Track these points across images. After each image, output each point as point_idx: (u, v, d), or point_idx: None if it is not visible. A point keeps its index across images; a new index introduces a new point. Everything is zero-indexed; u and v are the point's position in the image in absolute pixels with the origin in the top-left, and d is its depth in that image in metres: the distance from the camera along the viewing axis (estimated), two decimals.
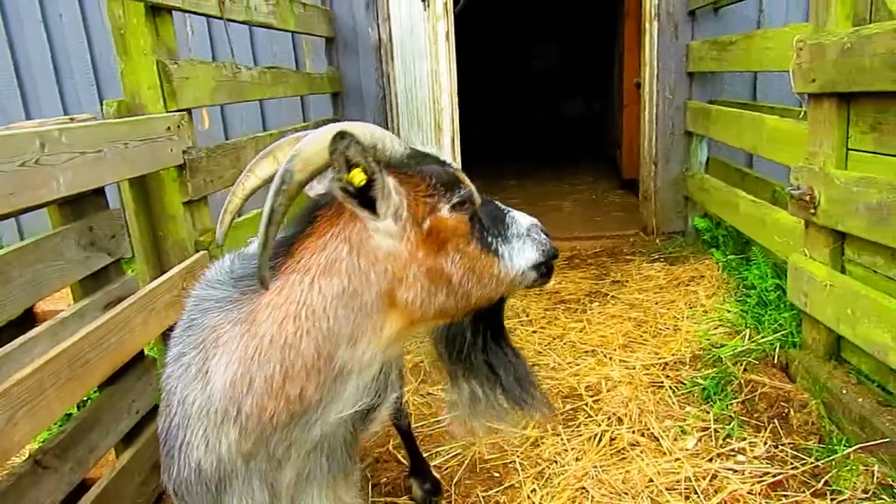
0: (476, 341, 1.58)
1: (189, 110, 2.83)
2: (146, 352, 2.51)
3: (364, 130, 1.23)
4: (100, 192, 2.32)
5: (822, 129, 2.63)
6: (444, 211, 1.32)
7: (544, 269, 1.49)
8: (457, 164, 1.49)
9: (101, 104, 2.66)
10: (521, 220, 1.49)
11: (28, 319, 2.26)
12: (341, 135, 1.14)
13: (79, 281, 2.23)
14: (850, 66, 2.35)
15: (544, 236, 1.49)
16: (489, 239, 1.39)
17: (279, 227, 1.20)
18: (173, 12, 2.78)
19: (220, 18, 3.14)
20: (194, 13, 2.97)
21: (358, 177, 1.19)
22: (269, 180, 1.41)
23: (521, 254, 1.43)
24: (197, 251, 2.82)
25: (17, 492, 1.81)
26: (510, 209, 1.50)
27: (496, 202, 1.50)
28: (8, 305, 1.81)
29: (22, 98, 5.41)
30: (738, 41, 3.94)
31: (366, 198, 1.23)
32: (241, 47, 5.10)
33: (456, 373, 1.64)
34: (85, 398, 2.55)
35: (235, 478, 1.32)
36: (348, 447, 1.50)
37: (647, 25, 5.03)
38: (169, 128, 2.62)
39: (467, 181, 1.38)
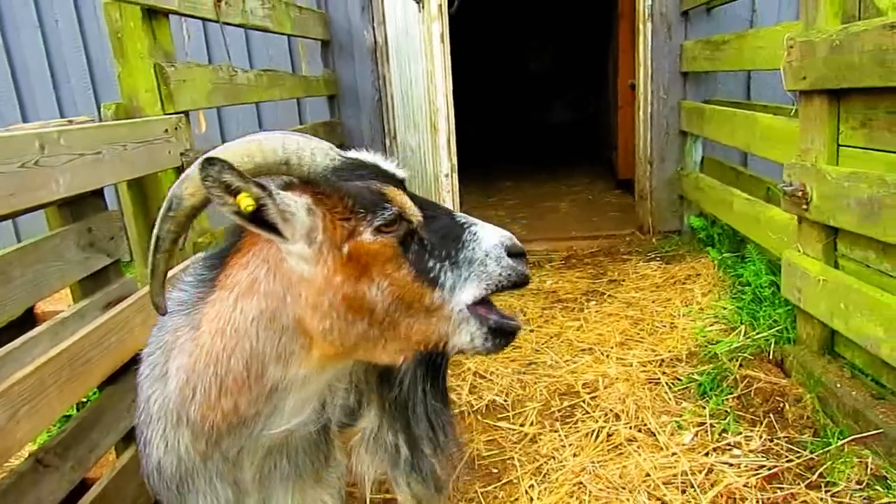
0: (415, 389, 1.42)
1: (186, 113, 2.85)
2: None
3: (271, 145, 1.15)
4: (98, 193, 2.33)
5: (813, 125, 2.66)
6: (366, 234, 1.17)
7: (492, 323, 1.23)
8: (399, 171, 1.32)
9: (98, 108, 2.69)
10: (484, 238, 1.24)
11: (28, 320, 2.28)
12: (209, 161, 1.05)
13: (78, 281, 2.24)
14: (839, 63, 2.38)
15: (507, 261, 1.23)
16: (430, 263, 1.21)
17: (170, 254, 1.16)
18: (170, 16, 2.80)
19: (217, 22, 3.16)
20: (191, 17, 2.99)
21: (244, 202, 1.08)
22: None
23: (464, 285, 1.21)
24: (195, 253, 2.84)
25: (19, 490, 1.82)
26: (475, 223, 1.27)
27: (455, 215, 1.29)
28: (9, 305, 1.83)
29: (19, 103, 5.43)
30: (730, 40, 3.98)
31: (265, 220, 1.14)
32: (238, 50, 5.12)
33: (381, 418, 1.51)
34: (85, 398, 2.57)
35: (197, 476, 1.33)
36: (312, 450, 1.45)
37: (641, 26, 5.07)
38: (167, 130, 2.64)
39: (397, 197, 1.21)
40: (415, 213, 1.22)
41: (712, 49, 4.30)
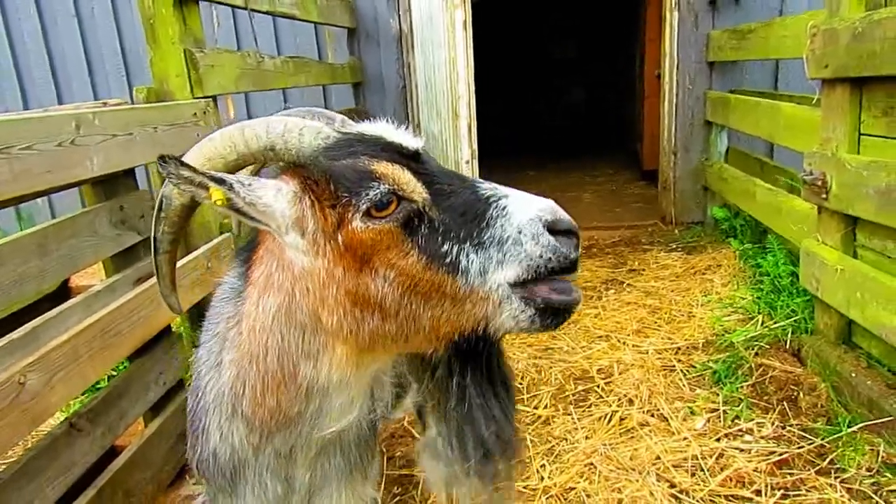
0: (451, 383, 1.20)
1: (214, 97, 2.93)
2: (173, 327, 2.63)
3: (253, 132, 1.08)
4: (130, 173, 2.44)
5: (834, 114, 2.65)
6: (356, 222, 1.05)
7: (541, 303, 1.06)
8: (411, 140, 1.14)
9: (131, 95, 2.78)
10: (515, 212, 1.06)
11: (63, 293, 2.39)
12: (162, 159, 1.01)
13: (110, 257, 2.35)
14: (861, 51, 2.37)
15: (545, 238, 1.04)
16: (445, 247, 1.05)
17: (171, 255, 1.13)
18: (200, 3, 2.88)
19: (245, 9, 3.24)
20: (220, 3, 3.07)
21: (215, 195, 1.03)
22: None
23: (498, 267, 1.05)
24: (221, 233, 2.94)
25: (53, 451, 1.93)
26: (506, 196, 1.08)
27: (479, 188, 1.10)
28: (47, 276, 1.93)
29: (55, 87, 5.61)
30: (756, 29, 3.94)
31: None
32: (266, 38, 5.22)
33: (421, 411, 1.43)
34: (114, 369, 2.69)
35: (248, 468, 1.31)
36: (363, 443, 1.43)
37: (668, 15, 5.03)
38: (195, 114, 2.73)
39: (393, 174, 1.05)
40: (417, 190, 1.06)
41: (738, 38, 4.26)
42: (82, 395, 2.58)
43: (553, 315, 1.08)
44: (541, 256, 1.04)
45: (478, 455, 1.21)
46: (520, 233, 1.05)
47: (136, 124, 2.32)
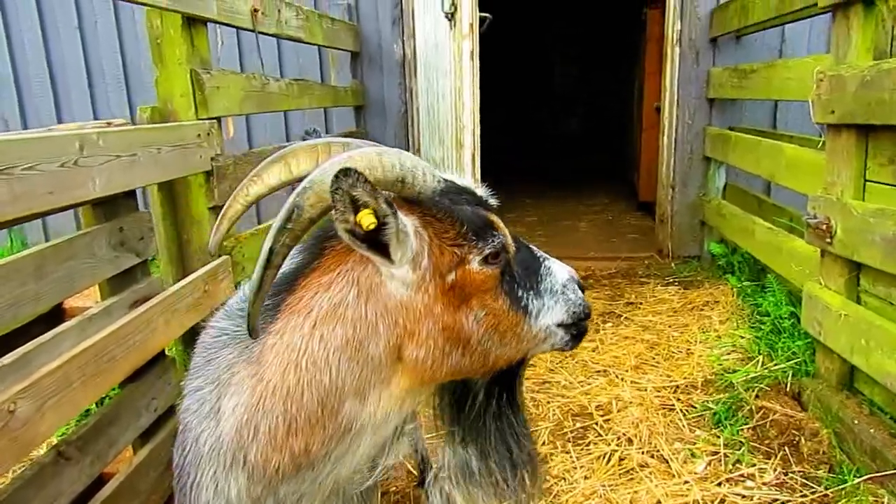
0: (489, 404, 1.36)
1: (219, 119, 2.91)
2: (167, 352, 2.57)
3: (390, 160, 1.09)
4: (131, 194, 2.39)
5: (840, 159, 2.66)
6: (475, 263, 1.15)
7: (574, 332, 1.32)
8: (491, 198, 1.32)
9: (131, 109, 2.77)
10: (557, 272, 1.31)
11: (57, 315, 2.33)
12: (345, 171, 0.99)
13: (107, 279, 2.30)
14: (869, 99, 2.38)
15: (579, 293, 1.32)
16: (520, 293, 1.23)
17: (278, 269, 1.05)
18: (207, 24, 2.87)
19: (252, 31, 3.23)
20: (228, 25, 3.06)
21: (366, 219, 1.02)
22: (277, 188, 1.33)
23: (549, 312, 1.26)
24: (220, 256, 2.89)
25: (40, 481, 1.86)
26: (546, 257, 1.33)
27: (531, 247, 1.33)
28: (43, 299, 1.88)
29: (54, 100, 5.57)
30: (759, 69, 3.98)
31: (377, 240, 1.07)
32: (269, 59, 5.22)
33: (454, 433, 1.43)
34: (105, 394, 2.62)
35: None
36: (366, 492, 1.41)
37: (669, 51, 5.09)
38: (199, 135, 2.70)
39: (502, 226, 1.21)
40: (510, 244, 1.23)
41: (740, 77, 4.30)
42: (73, 422, 2.50)
43: (579, 337, 1.34)
44: (579, 305, 1.31)
45: (510, 469, 1.38)
46: (564, 287, 1.30)
47: (140, 145, 2.28)
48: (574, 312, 1.30)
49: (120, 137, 2.18)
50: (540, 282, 1.27)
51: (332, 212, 1.02)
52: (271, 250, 1.01)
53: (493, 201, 1.29)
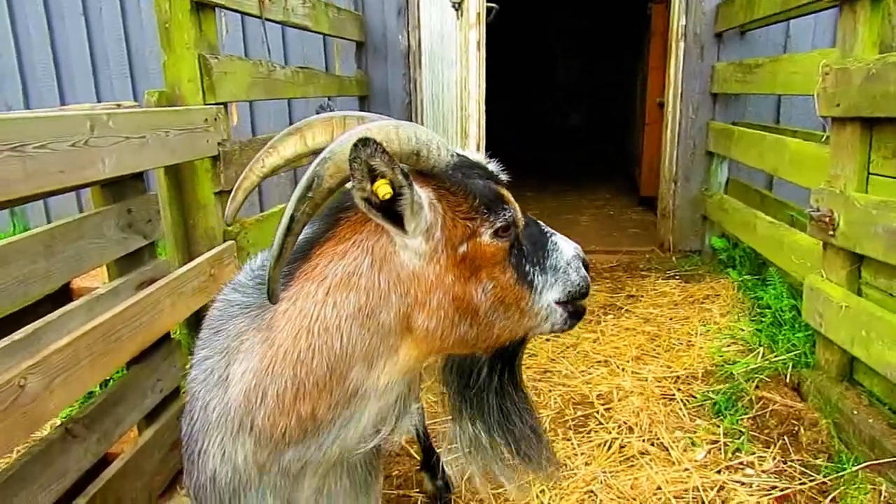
0: (492, 380, 1.39)
1: (225, 104, 2.92)
2: (172, 334, 2.58)
3: (406, 133, 1.11)
4: (139, 176, 2.41)
5: (844, 152, 2.67)
6: (486, 236, 1.18)
7: (571, 309, 1.33)
8: (502, 173, 1.34)
9: (135, 96, 2.77)
10: (564, 248, 1.32)
11: (64, 294, 2.35)
12: (364, 141, 1.01)
13: (115, 260, 2.32)
14: (874, 92, 2.39)
15: (583, 271, 1.33)
16: (527, 268, 1.25)
17: (298, 236, 1.08)
18: (216, 9, 2.88)
19: (259, 18, 3.24)
20: (236, 11, 3.07)
21: (383, 189, 1.05)
22: (293, 160, 1.34)
23: (552, 288, 1.28)
24: (225, 240, 2.91)
25: (48, 457, 1.88)
26: (553, 233, 1.34)
27: (539, 224, 1.34)
28: (53, 277, 1.90)
29: (58, 86, 5.57)
30: (763, 64, 3.99)
31: (393, 210, 1.10)
32: (274, 47, 5.21)
33: (461, 410, 1.46)
34: (111, 375, 2.64)
35: (250, 490, 1.26)
36: (369, 462, 1.43)
37: (674, 45, 5.09)
38: (206, 119, 2.71)
39: (512, 200, 1.24)
40: (520, 219, 1.26)
41: (745, 72, 4.31)
42: (77, 402, 2.52)
43: (577, 317, 1.35)
44: (578, 284, 1.33)
45: (514, 444, 1.42)
46: (568, 264, 1.32)
47: (149, 128, 2.29)
48: (571, 291, 1.31)
49: (129, 119, 2.19)
50: (546, 257, 1.29)
51: (350, 180, 1.04)
52: (292, 217, 1.03)
53: (503, 176, 1.31)
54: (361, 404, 1.20)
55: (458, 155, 1.23)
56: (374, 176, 1.04)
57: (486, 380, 1.39)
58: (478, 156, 1.30)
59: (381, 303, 1.15)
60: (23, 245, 1.81)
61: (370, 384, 1.19)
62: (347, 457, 1.30)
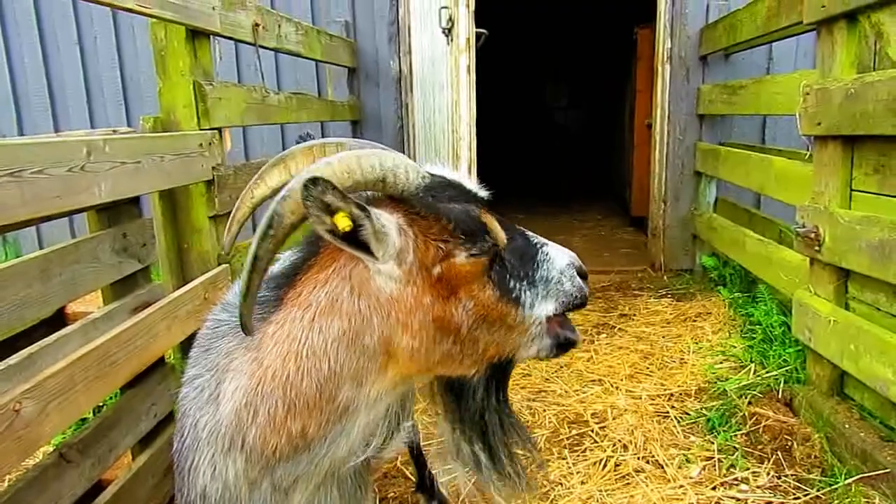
0: (489, 398, 1.39)
1: (220, 129, 2.96)
2: (167, 358, 2.59)
3: (369, 162, 1.13)
4: (134, 201, 2.43)
5: (827, 170, 2.73)
6: (461, 257, 1.18)
7: (561, 339, 1.31)
8: (482, 191, 1.33)
9: (129, 125, 2.81)
10: (556, 257, 1.29)
11: (59, 319, 2.35)
12: (313, 181, 1.03)
13: (110, 284, 2.33)
14: (854, 111, 2.46)
15: (577, 280, 1.30)
16: (511, 283, 1.23)
17: (265, 273, 1.12)
18: (210, 37, 2.93)
19: (253, 45, 3.29)
20: (231, 39, 3.12)
21: (342, 222, 1.08)
22: (279, 189, 1.31)
23: (541, 303, 1.26)
24: (219, 264, 2.92)
25: (42, 482, 1.87)
26: (546, 243, 1.32)
27: (527, 234, 1.32)
28: (50, 301, 1.91)
29: (53, 115, 5.61)
30: (748, 85, 4.08)
31: (359, 238, 1.12)
32: (267, 74, 5.28)
33: (460, 431, 1.46)
34: (105, 400, 2.63)
35: None
36: (360, 477, 1.44)
37: (660, 68, 5.20)
38: (201, 144, 2.74)
39: (489, 219, 1.23)
40: (501, 237, 1.24)
41: (730, 93, 4.40)
42: (70, 428, 2.51)
43: (565, 348, 1.33)
44: (572, 294, 1.29)
45: (511, 459, 1.43)
46: (561, 274, 1.28)
47: (144, 153, 2.32)
48: (566, 302, 1.28)
49: (125, 145, 2.22)
50: (536, 269, 1.27)
51: (309, 216, 1.07)
52: (256, 256, 1.08)
53: (483, 193, 1.31)
54: (352, 419, 1.22)
55: (434, 175, 1.24)
56: (331, 210, 1.07)
57: (483, 398, 1.39)
58: (456, 175, 1.30)
59: (364, 326, 1.17)
60: (19, 269, 1.82)
61: (360, 400, 1.21)
62: (338, 469, 1.32)
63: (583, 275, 1.31)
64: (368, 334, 1.17)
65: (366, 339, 1.18)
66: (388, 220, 1.15)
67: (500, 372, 1.35)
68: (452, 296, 1.19)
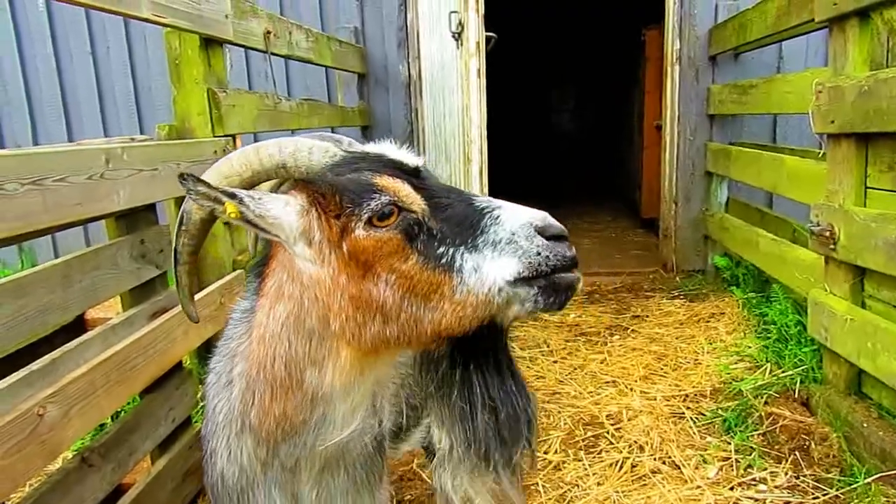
0: (454, 375, 1.26)
1: (233, 136, 2.99)
2: (184, 363, 2.61)
3: (268, 151, 1.18)
4: (151, 207, 2.46)
5: (840, 167, 2.72)
6: (359, 230, 1.12)
7: (543, 283, 1.11)
8: (412, 159, 1.23)
9: (141, 132, 2.85)
10: (507, 220, 1.12)
11: (79, 325, 2.38)
12: (182, 177, 1.10)
13: (129, 290, 2.35)
14: (867, 108, 2.45)
15: (538, 239, 1.11)
16: (441, 250, 1.12)
17: (190, 266, 1.23)
18: (223, 45, 2.96)
19: (265, 52, 3.33)
20: (243, 47, 3.16)
21: (229, 209, 1.12)
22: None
23: (492, 265, 1.10)
24: (234, 269, 2.95)
25: (65, 486, 1.90)
26: (497, 206, 1.15)
27: (473, 200, 1.18)
28: (71, 306, 1.93)
29: (66, 124, 5.68)
30: (758, 84, 4.07)
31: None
32: (278, 79, 5.33)
33: (440, 418, 1.45)
34: (124, 404, 2.65)
35: (256, 487, 1.33)
36: (369, 463, 1.45)
37: (669, 69, 5.19)
38: (216, 151, 2.77)
39: (389, 186, 1.13)
40: (416, 202, 1.13)
41: (740, 93, 4.39)
42: (89, 433, 2.54)
43: (555, 293, 1.12)
44: (538, 254, 1.10)
45: (495, 446, 1.33)
46: (513, 234, 1.11)
47: (161, 160, 2.35)
48: (530, 262, 1.09)
49: (143, 152, 2.25)
50: (479, 234, 1.11)
51: (202, 208, 1.15)
52: (175, 251, 1.19)
53: (411, 161, 1.22)
54: (329, 407, 1.24)
55: (346, 153, 1.20)
56: (220, 201, 1.12)
57: (449, 376, 1.27)
58: (382, 147, 1.26)
59: (302, 310, 1.19)
60: (42, 276, 1.85)
61: (326, 386, 1.21)
62: (341, 456, 1.35)
63: (553, 235, 1.12)
64: (308, 317, 1.19)
65: (307, 323, 1.19)
66: (279, 203, 1.15)
67: (472, 343, 1.18)
68: (369, 272, 1.13)
